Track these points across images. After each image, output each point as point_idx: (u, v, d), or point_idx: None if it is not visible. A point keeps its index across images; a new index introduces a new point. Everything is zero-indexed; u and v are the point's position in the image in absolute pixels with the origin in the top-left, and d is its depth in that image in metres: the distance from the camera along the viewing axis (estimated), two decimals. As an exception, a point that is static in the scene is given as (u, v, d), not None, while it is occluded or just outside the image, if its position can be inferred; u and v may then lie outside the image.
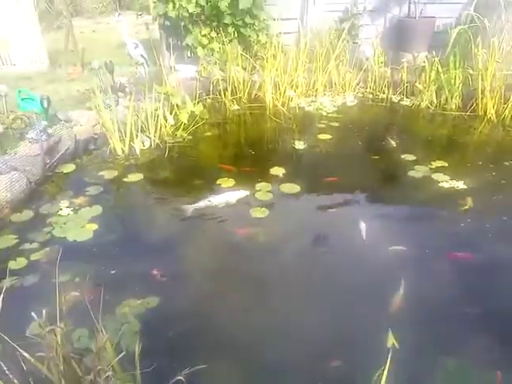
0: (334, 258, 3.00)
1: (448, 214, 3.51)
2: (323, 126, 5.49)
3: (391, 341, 2.36)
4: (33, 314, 1.72)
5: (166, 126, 4.97)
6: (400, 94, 6.45)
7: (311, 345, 2.31)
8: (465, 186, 3.84)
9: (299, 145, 4.84)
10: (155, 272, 2.78)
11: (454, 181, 3.94)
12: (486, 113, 5.61)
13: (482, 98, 5.62)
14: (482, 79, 5.57)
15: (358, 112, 6.06)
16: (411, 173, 4.14)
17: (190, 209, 3.49)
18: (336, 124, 5.54)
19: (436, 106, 5.98)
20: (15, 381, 1.62)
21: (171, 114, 5.10)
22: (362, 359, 2.20)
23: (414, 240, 3.12)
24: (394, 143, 4.85)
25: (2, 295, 1.71)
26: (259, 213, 3.47)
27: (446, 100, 5.95)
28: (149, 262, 2.91)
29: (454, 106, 5.87)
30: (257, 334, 2.39)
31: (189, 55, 6.79)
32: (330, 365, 2.17)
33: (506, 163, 4.31)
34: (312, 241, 3.15)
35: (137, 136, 4.59)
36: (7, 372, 1.61)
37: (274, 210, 3.53)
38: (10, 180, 3.53)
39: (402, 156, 4.52)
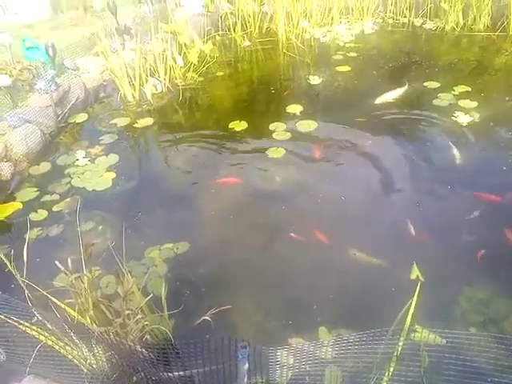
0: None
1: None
2: (341, 57, 5.18)
3: (416, 273, 2.36)
4: (57, 263, 1.75)
5: (175, 68, 4.78)
6: (422, 16, 5.95)
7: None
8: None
9: (314, 80, 4.60)
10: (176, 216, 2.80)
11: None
12: (517, 32, 5.16)
13: (513, 15, 5.14)
14: (516, -7, 5.06)
15: (377, 40, 5.66)
16: (436, 101, 3.94)
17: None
18: (354, 54, 5.21)
19: (462, 28, 5.52)
20: (49, 325, 1.68)
21: (180, 54, 4.88)
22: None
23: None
24: (416, 71, 4.57)
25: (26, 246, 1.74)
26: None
27: (474, 20, 5.47)
28: (169, 207, 2.92)
29: (482, 26, 5.41)
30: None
31: (194, -12, 6.36)
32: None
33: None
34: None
35: (146, 80, 4.44)
36: (40, 318, 1.67)
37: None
38: (24, 133, 3.50)
39: (425, 84, 4.27)
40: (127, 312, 1.77)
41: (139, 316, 1.82)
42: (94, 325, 1.74)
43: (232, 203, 2.95)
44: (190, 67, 4.87)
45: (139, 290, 1.98)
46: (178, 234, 2.64)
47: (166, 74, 4.61)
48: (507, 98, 3.88)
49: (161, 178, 3.31)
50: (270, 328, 2.09)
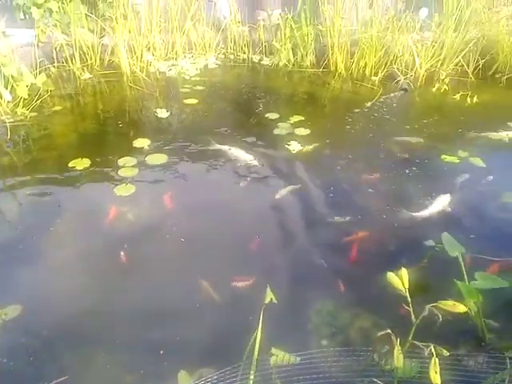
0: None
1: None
2: (187, 90, 5.27)
3: (270, 297, 2.42)
4: None
5: (1, 103, 4.22)
6: (260, 53, 6.48)
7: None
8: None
9: (162, 113, 4.56)
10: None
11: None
12: (336, 68, 5.98)
13: (332, 54, 5.96)
14: (331, 35, 5.88)
15: (221, 74, 5.94)
16: (276, 131, 4.28)
17: None
18: (200, 88, 5.36)
19: (293, 64, 6.16)
20: None
21: (6, 88, 4.34)
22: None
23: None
24: (258, 103, 4.92)
25: None
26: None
27: (302, 57, 6.17)
28: None
29: (308, 63, 6.13)
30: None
31: (22, 17, 5.77)
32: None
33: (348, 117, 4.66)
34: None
35: (-39, 117, 3.81)
36: None
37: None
38: None
39: (267, 115, 4.60)
40: None
41: None
42: None
43: (73, 252, 2.65)
44: (19, 102, 4.35)
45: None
46: (6, 296, 2.25)
47: (-12, 110, 4.04)
48: (329, 127, 4.44)
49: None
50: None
